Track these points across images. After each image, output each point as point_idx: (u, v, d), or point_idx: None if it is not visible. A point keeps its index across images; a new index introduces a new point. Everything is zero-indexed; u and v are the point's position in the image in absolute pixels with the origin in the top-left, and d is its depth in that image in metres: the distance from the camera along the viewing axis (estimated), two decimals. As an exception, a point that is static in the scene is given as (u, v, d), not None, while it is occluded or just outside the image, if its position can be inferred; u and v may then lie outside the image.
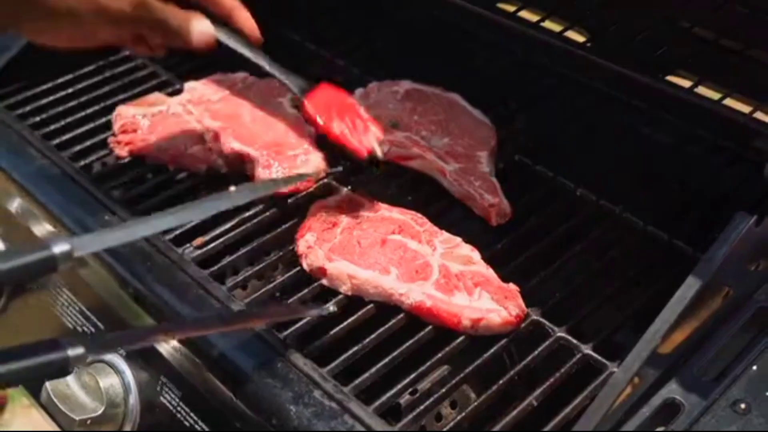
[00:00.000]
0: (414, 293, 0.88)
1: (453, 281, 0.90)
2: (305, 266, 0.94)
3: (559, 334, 0.87)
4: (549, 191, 1.05)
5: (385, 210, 0.99)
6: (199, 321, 0.88)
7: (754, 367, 0.79)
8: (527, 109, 1.16)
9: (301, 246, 0.95)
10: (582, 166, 1.06)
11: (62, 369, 0.70)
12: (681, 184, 1.04)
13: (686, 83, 1.07)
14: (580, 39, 1.13)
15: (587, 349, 0.85)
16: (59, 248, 0.69)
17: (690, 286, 0.75)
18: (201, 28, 0.87)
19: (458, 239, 0.96)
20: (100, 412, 0.91)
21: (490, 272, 0.92)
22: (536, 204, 1.03)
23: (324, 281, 0.92)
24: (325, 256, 0.92)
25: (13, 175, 1.07)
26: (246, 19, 0.90)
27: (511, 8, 1.20)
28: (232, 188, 0.99)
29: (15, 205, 1.06)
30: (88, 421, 0.91)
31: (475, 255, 0.94)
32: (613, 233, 0.99)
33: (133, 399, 0.93)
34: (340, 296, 0.91)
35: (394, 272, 0.90)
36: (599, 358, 0.84)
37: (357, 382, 0.82)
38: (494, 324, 0.87)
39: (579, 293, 0.92)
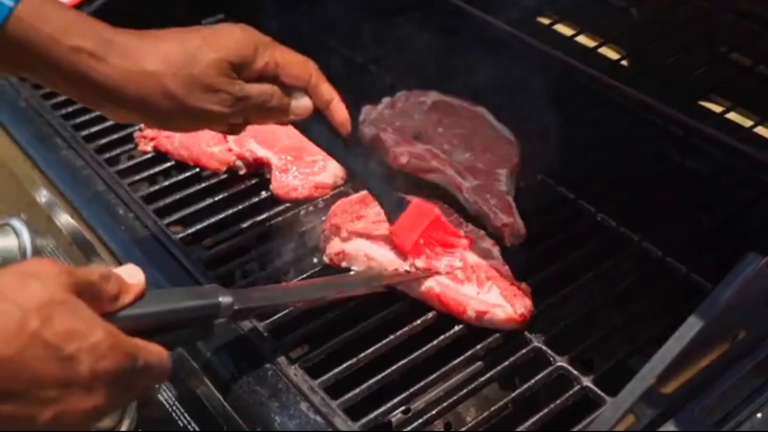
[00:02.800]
0: (426, 279, 0.88)
1: (467, 272, 0.90)
2: (325, 258, 0.95)
3: (559, 363, 0.84)
4: (568, 214, 1.02)
5: (413, 200, 0.98)
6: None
7: (759, 415, 0.76)
8: (558, 128, 1.13)
9: (322, 239, 0.95)
10: (605, 191, 1.03)
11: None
12: (708, 216, 1.00)
13: (719, 108, 1.03)
14: (615, 56, 1.10)
15: (587, 382, 0.83)
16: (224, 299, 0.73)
17: (691, 326, 0.72)
18: (304, 104, 0.86)
19: (482, 232, 0.96)
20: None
21: (505, 269, 0.92)
22: (553, 226, 1.00)
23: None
24: (343, 239, 0.93)
25: (38, 163, 1.09)
26: (342, 113, 0.87)
27: (547, 21, 1.17)
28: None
29: (39, 193, 1.08)
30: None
31: (495, 250, 0.94)
32: (629, 262, 0.96)
33: (132, 395, 0.93)
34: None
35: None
36: (598, 391, 0.82)
37: (347, 396, 0.81)
38: (498, 319, 0.87)
39: (587, 322, 0.90)
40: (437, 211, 0.93)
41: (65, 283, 0.61)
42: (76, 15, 0.77)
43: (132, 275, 0.68)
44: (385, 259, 0.91)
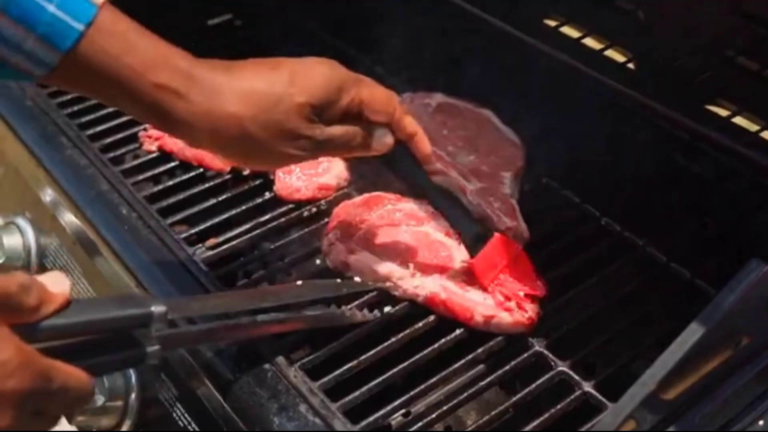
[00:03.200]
0: (430, 284, 0.88)
1: (472, 276, 0.89)
2: (329, 263, 0.94)
3: (560, 368, 0.84)
4: (573, 218, 1.02)
5: (413, 204, 0.99)
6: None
7: (761, 422, 0.75)
8: (564, 131, 1.12)
9: (325, 243, 0.95)
10: (610, 195, 1.02)
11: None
12: (713, 221, 0.99)
13: (725, 113, 1.02)
14: (621, 59, 1.09)
15: (588, 387, 0.82)
16: (156, 308, 0.70)
17: (693, 331, 0.71)
18: (386, 140, 0.84)
19: None
20: (99, 404, 0.92)
21: None
22: (557, 230, 1.00)
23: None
24: (348, 249, 0.92)
25: (43, 161, 1.09)
26: (425, 147, 0.85)
27: (553, 23, 1.16)
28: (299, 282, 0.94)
29: (44, 192, 1.08)
30: (87, 411, 0.92)
31: None
32: (633, 267, 0.95)
33: (135, 395, 0.93)
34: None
35: (415, 264, 0.90)
36: (599, 397, 0.81)
37: (347, 399, 0.81)
38: (505, 323, 0.87)
39: (589, 326, 0.89)
40: (519, 249, 0.92)
41: None
42: (157, 45, 0.75)
43: (56, 283, 0.65)
44: (388, 271, 0.90)
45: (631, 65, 1.09)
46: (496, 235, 0.90)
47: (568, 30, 1.13)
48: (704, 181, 1.03)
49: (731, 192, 1.01)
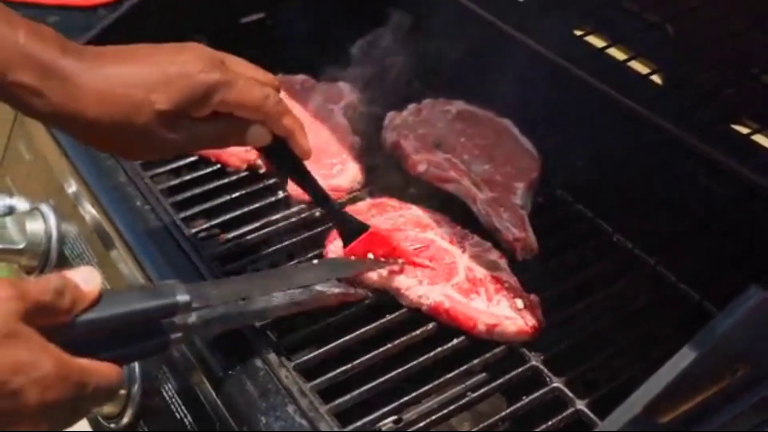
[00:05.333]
0: (434, 293, 0.88)
1: (475, 284, 0.89)
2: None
3: (555, 384, 0.83)
4: (584, 232, 1.00)
5: (418, 211, 0.98)
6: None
7: (757, 452, 0.73)
8: (583, 144, 1.11)
9: (330, 251, 0.95)
10: (625, 211, 1.01)
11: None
12: (730, 244, 0.97)
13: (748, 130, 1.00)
14: (645, 70, 1.07)
15: (581, 405, 0.81)
16: (181, 297, 0.72)
17: (684, 356, 0.70)
18: (260, 135, 0.83)
19: (488, 244, 0.95)
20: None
21: (513, 280, 0.91)
22: (567, 243, 0.99)
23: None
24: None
25: (66, 150, 1.11)
26: (303, 145, 0.85)
27: (579, 32, 1.15)
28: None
29: (67, 180, 1.10)
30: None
31: (503, 262, 0.93)
32: (641, 285, 0.94)
33: (137, 385, 0.94)
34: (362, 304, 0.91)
35: (419, 272, 0.90)
36: (591, 415, 0.80)
37: (337, 402, 0.81)
38: (509, 332, 0.86)
39: (590, 343, 0.88)
40: (394, 242, 0.91)
41: (16, 311, 0.61)
42: (24, 38, 0.73)
43: (87, 280, 0.67)
44: (396, 282, 0.90)
45: (655, 77, 1.07)
46: (372, 228, 0.90)
47: (593, 39, 1.11)
48: (725, 201, 1.00)
49: (752, 214, 0.98)
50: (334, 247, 0.94)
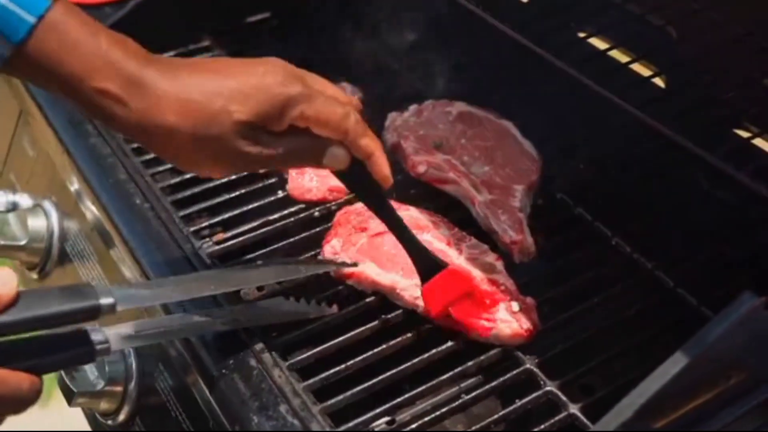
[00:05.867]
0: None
1: None
2: (330, 272, 0.94)
3: (548, 388, 0.83)
4: (583, 235, 1.00)
5: (416, 212, 0.98)
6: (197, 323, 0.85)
7: (750, 459, 0.73)
8: (584, 148, 1.11)
9: (327, 252, 0.95)
10: (624, 215, 1.00)
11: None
12: (730, 250, 0.96)
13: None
14: (647, 72, 1.07)
15: (574, 409, 0.81)
16: (105, 300, 0.72)
17: (676, 361, 0.69)
18: (339, 157, 0.80)
19: (485, 246, 0.95)
20: (99, 388, 0.94)
21: (509, 283, 0.91)
22: (565, 247, 0.98)
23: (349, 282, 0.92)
24: (351, 260, 0.92)
25: (68, 147, 1.11)
26: (383, 168, 0.81)
27: (582, 34, 1.14)
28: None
29: (69, 177, 1.11)
30: (87, 394, 0.94)
31: (499, 264, 0.93)
32: (639, 289, 0.93)
33: (134, 383, 0.95)
34: (360, 303, 0.91)
35: (416, 273, 0.88)
36: (584, 420, 0.80)
37: (329, 402, 0.81)
38: (504, 335, 0.86)
39: (586, 347, 0.88)
40: (473, 282, 0.88)
41: None
42: (106, 45, 0.73)
43: (3, 282, 0.67)
44: (391, 282, 0.90)
45: (657, 80, 1.06)
46: (450, 265, 0.86)
47: (596, 42, 1.10)
48: (725, 206, 0.99)
49: (753, 221, 0.98)
50: (331, 247, 0.94)
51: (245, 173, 1.08)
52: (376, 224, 0.93)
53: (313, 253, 0.96)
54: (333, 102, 0.78)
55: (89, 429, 1.05)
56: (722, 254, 0.96)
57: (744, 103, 1.00)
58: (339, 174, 0.83)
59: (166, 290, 0.80)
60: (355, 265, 0.91)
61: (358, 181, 0.83)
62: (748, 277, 0.92)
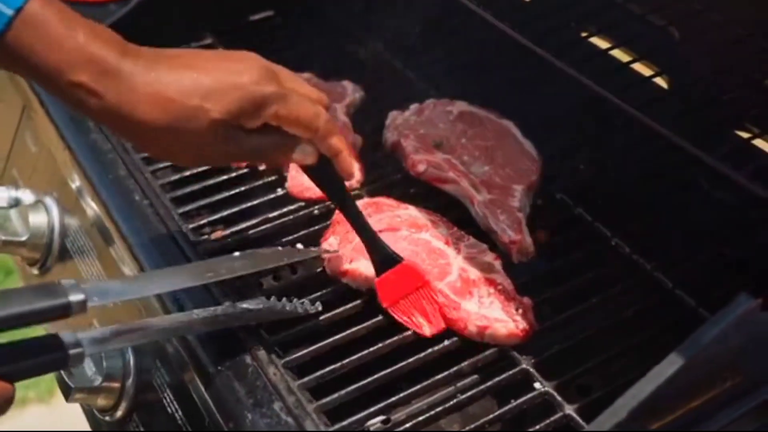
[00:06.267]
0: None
1: (468, 286, 0.89)
2: (327, 269, 0.94)
3: (544, 388, 0.83)
4: (582, 236, 1.00)
5: (415, 211, 0.98)
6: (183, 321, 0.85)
7: (748, 461, 0.73)
8: (585, 148, 1.10)
9: (324, 245, 0.95)
10: (624, 216, 1.00)
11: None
12: (730, 251, 0.96)
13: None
14: (648, 72, 1.06)
15: (569, 410, 0.81)
16: (75, 297, 0.71)
17: (671, 363, 0.69)
18: (307, 155, 0.84)
19: (484, 246, 0.95)
20: (96, 384, 0.94)
21: (507, 282, 0.91)
22: (564, 247, 0.98)
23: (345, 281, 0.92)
24: (347, 257, 0.92)
25: (69, 143, 1.12)
26: (348, 166, 0.85)
27: (583, 33, 1.14)
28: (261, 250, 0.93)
29: (70, 173, 1.11)
30: (84, 390, 0.94)
31: (497, 264, 0.93)
32: (638, 290, 0.93)
33: (131, 379, 0.95)
34: (357, 302, 0.91)
35: None
36: (580, 420, 0.80)
37: (324, 401, 0.81)
38: (499, 335, 0.86)
39: (583, 348, 0.87)
40: (426, 277, 0.89)
41: None
42: (83, 38, 0.74)
43: None
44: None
45: (659, 80, 1.06)
46: (405, 261, 0.89)
47: (597, 41, 1.10)
48: (725, 208, 0.99)
49: (754, 222, 0.97)
50: (328, 245, 0.94)
51: (245, 171, 1.09)
52: (375, 221, 0.93)
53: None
54: (305, 101, 0.81)
55: (90, 429, 1.05)
56: (722, 255, 0.96)
57: (745, 104, 1.00)
58: (306, 169, 0.86)
59: (138, 284, 0.80)
60: (336, 251, 0.92)
61: (324, 176, 0.87)
62: (747, 278, 0.92)
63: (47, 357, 0.72)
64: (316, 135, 0.82)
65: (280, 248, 0.93)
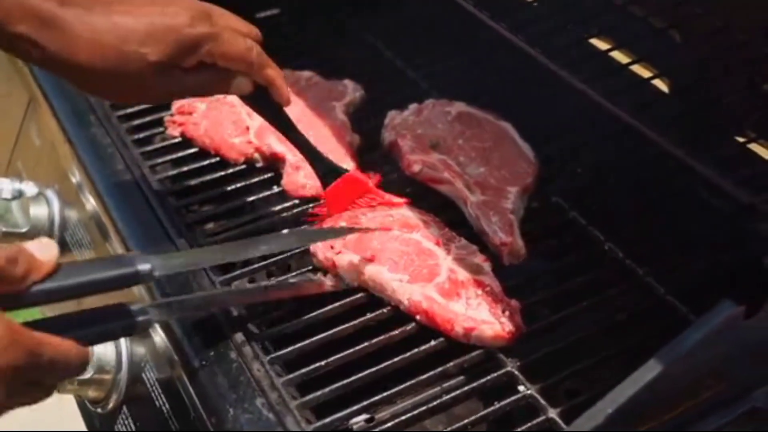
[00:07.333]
0: (414, 293, 0.88)
1: (456, 287, 0.89)
2: (315, 262, 0.94)
3: (529, 391, 0.82)
4: (575, 239, 0.99)
5: (408, 211, 0.98)
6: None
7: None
8: (583, 152, 1.10)
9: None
10: (618, 220, 0.99)
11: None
12: (724, 257, 0.95)
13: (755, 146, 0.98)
14: (646, 74, 1.05)
15: (553, 413, 0.80)
16: (142, 266, 0.75)
17: (650, 368, 0.69)
18: (243, 86, 0.90)
19: (475, 247, 0.95)
20: (88, 376, 0.95)
21: (495, 284, 0.90)
22: (557, 250, 0.97)
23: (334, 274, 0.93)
24: (336, 250, 0.92)
25: (70, 137, 1.13)
26: (283, 93, 0.91)
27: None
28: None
29: (70, 167, 1.12)
30: (75, 381, 0.95)
31: (486, 266, 0.93)
32: (629, 296, 0.92)
33: (123, 372, 0.95)
34: (346, 300, 0.91)
35: (402, 270, 0.90)
36: (562, 424, 0.79)
37: (307, 398, 0.81)
38: (486, 336, 0.85)
39: (571, 352, 0.87)
40: (371, 184, 0.98)
41: None
42: None
43: (44, 250, 0.69)
44: (375, 273, 0.90)
45: (658, 83, 1.05)
46: (350, 171, 0.98)
47: (597, 42, 1.09)
48: (720, 215, 0.98)
49: (747, 229, 0.96)
50: (320, 249, 0.94)
51: (242, 168, 1.10)
52: (368, 218, 0.93)
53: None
54: (237, 37, 0.87)
55: (86, 429, 1.06)
56: (714, 263, 0.95)
57: (744, 109, 0.99)
58: (244, 98, 0.95)
59: (200, 256, 0.85)
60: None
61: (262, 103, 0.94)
62: (739, 286, 0.91)
63: (118, 324, 0.76)
64: (250, 68, 0.87)
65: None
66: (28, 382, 0.65)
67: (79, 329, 0.71)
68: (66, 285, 0.70)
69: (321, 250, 0.92)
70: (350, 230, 0.93)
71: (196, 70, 0.85)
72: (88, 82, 0.83)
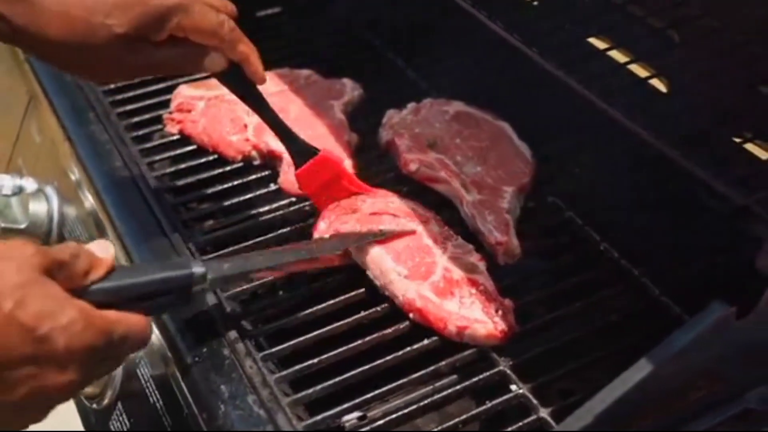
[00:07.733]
0: (409, 291, 0.88)
1: (451, 286, 0.89)
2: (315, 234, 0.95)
3: (521, 391, 0.82)
4: (571, 239, 0.99)
5: (407, 205, 0.98)
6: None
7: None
8: (581, 153, 1.09)
9: (315, 234, 0.96)
10: (614, 220, 0.99)
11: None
12: (719, 259, 0.95)
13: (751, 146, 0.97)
14: (643, 74, 1.05)
15: (544, 413, 0.80)
16: (197, 269, 0.77)
17: (639, 369, 0.68)
18: (216, 61, 0.87)
19: (470, 246, 0.95)
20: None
21: (489, 284, 0.90)
22: (552, 250, 0.97)
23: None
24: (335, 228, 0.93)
25: (69, 133, 1.13)
26: (256, 68, 0.89)
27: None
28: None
29: (69, 163, 1.12)
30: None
31: (481, 265, 0.93)
32: (623, 296, 0.92)
33: (118, 369, 0.96)
34: (340, 298, 0.91)
35: (403, 263, 0.90)
36: (553, 424, 0.79)
37: (299, 395, 0.81)
38: (479, 335, 0.85)
39: (564, 352, 0.87)
40: (343, 165, 0.99)
41: (37, 264, 0.64)
42: None
43: (103, 250, 0.71)
44: (376, 257, 0.90)
45: (657, 83, 1.05)
46: (323, 151, 0.96)
47: (595, 41, 1.09)
48: (716, 217, 0.97)
49: (742, 231, 0.95)
50: (318, 233, 0.94)
51: (240, 165, 1.10)
52: (366, 209, 0.94)
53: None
54: (209, 10, 0.84)
55: (84, 430, 1.06)
56: (710, 264, 0.95)
57: (742, 109, 0.98)
58: (218, 76, 0.90)
59: (247, 262, 0.85)
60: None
61: (236, 81, 0.91)
62: (733, 287, 0.91)
63: (176, 295, 0.77)
64: (223, 43, 0.85)
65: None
66: (100, 359, 0.67)
67: (140, 302, 0.73)
68: (123, 285, 0.71)
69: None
70: (389, 234, 0.92)
71: (167, 46, 0.84)
72: (58, 56, 0.82)
